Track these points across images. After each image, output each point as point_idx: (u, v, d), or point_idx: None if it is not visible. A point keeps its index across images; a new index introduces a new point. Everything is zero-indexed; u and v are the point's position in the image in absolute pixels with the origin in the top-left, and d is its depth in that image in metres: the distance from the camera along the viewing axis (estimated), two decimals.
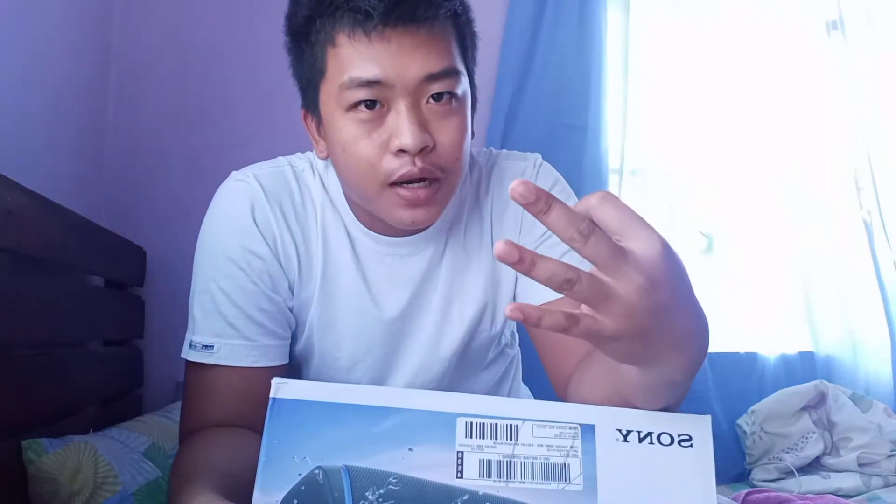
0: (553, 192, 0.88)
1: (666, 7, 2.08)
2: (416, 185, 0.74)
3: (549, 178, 0.92)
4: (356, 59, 0.71)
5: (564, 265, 0.44)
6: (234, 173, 0.86)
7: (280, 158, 0.89)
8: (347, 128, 0.74)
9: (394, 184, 0.74)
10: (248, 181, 0.84)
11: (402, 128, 0.71)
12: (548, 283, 0.44)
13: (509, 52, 1.95)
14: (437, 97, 0.74)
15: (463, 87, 0.76)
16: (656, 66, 2.05)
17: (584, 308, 0.47)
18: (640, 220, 0.46)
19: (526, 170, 0.91)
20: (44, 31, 1.35)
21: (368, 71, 0.71)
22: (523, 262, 0.43)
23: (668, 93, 2.05)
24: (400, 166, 0.73)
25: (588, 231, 0.44)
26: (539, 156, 0.94)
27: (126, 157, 1.74)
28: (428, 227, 0.87)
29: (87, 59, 1.61)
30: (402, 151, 0.72)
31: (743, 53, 2.09)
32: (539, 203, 0.43)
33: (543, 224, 0.44)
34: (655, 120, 2.03)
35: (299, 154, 0.91)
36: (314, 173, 0.87)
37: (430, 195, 0.75)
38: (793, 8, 2.12)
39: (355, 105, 0.73)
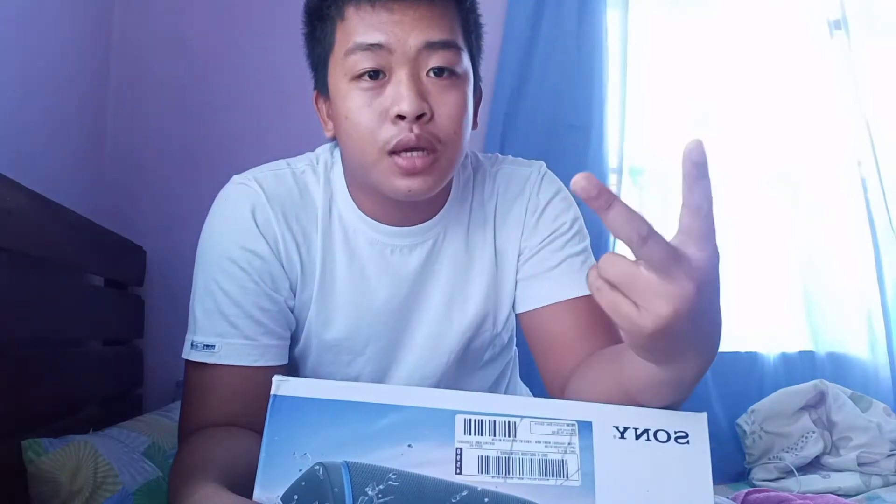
0: (555, 202, 0.90)
1: (666, 6, 2.08)
2: (413, 153, 0.75)
3: (553, 187, 0.92)
4: (360, 26, 0.75)
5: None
6: (234, 177, 0.87)
7: (280, 161, 0.90)
8: (351, 97, 0.77)
9: (392, 153, 0.76)
10: (248, 184, 0.84)
11: (400, 94, 0.74)
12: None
13: (509, 51, 1.96)
14: (438, 72, 0.76)
15: (463, 65, 0.79)
16: (656, 66, 2.05)
17: (628, 305, 0.48)
18: (711, 230, 0.47)
19: (531, 176, 0.92)
20: (44, 31, 1.35)
21: (371, 36, 0.75)
22: (600, 198, 0.44)
23: (669, 92, 2.05)
24: (398, 132, 0.75)
25: (647, 234, 0.44)
26: (543, 164, 0.95)
27: (126, 157, 1.75)
28: (426, 212, 0.87)
29: (87, 59, 1.62)
30: (399, 118, 0.74)
31: (745, 53, 2.09)
32: (600, 199, 0.44)
33: (604, 221, 0.45)
34: (656, 119, 2.04)
35: (299, 156, 0.91)
36: (314, 173, 0.88)
37: (426, 164, 0.76)
38: (795, 7, 2.12)
39: (359, 76, 0.76)
